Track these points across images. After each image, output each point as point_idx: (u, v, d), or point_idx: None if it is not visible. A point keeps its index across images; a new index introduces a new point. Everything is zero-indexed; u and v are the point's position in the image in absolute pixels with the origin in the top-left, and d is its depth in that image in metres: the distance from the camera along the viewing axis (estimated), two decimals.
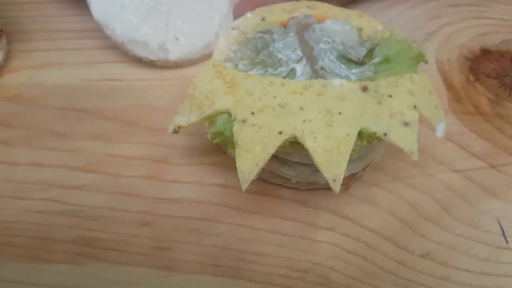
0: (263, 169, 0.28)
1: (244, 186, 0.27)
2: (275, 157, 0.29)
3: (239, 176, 0.27)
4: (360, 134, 0.28)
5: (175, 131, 0.31)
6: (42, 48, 0.42)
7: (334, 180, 0.27)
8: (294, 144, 0.28)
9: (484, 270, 0.32)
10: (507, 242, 0.33)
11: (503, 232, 0.33)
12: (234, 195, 0.34)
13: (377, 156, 0.34)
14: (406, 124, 0.28)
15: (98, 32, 0.43)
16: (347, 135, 0.27)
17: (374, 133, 0.28)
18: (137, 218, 0.33)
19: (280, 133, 0.28)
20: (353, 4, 0.45)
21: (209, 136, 0.29)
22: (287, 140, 0.28)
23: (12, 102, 0.39)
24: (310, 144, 0.27)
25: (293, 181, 0.33)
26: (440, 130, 0.30)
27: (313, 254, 0.32)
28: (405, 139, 0.28)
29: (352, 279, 0.31)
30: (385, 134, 0.28)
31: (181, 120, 0.30)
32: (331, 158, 0.27)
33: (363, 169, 0.33)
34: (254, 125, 0.28)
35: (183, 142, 0.37)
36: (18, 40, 0.43)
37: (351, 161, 0.29)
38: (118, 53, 0.42)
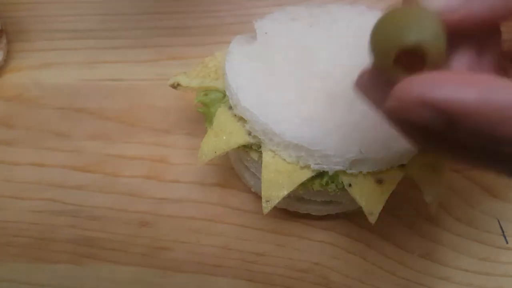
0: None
1: (199, 164, 0.29)
2: None
3: (198, 154, 0.28)
4: (322, 174, 0.27)
5: (173, 86, 0.31)
6: (42, 48, 0.42)
7: (267, 201, 0.27)
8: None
9: (484, 270, 0.32)
10: (507, 242, 0.33)
11: (502, 232, 0.33)
12: (234, 195, 0.34)
13: (350, 208, 0.32)
14: (379, 181, 0.27)
15: (98, 32, 0.43)
16: (306, 167, 0.27)
17: (337, 179, 0.27)
18: (137, 218, 0.33)
19: (249, 134, 0.28)
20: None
21: (196, 102, 0.31)
22: (251, 143, 0.28)
23: (12, 102, 0.39)
24: (265, 158, 0.27)
25: None
26: (429, 196, 0.29)
27: (312, 254, 0.32)
28: (369, 197, 0.27)
29: (352, 279, 0.31)
30: (350, 185, 0.27)
31: (184, 79, 0.31)
32: (278, 180, 0.27)
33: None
34: (235, 116, 0.29)
35: (183, 142, 0.37)
36: (18, 40, 0.43)
37: (312, 202, 0.30)
38: (118, 53, 0.42)
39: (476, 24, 0.18)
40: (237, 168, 0.34)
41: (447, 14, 0.17)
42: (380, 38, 0.18)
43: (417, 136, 0.18)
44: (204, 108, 0.31)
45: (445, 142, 0.17)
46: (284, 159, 0.27)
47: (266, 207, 0.27)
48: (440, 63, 0.17)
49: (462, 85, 0.15)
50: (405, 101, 0.16)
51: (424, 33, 0.17)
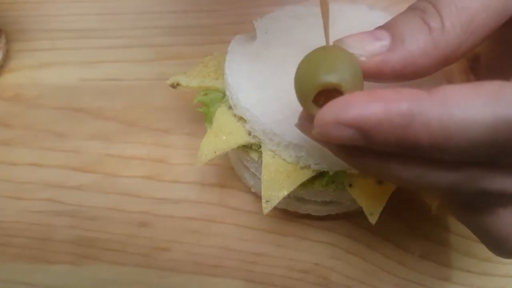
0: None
1: (198, 164, 0.28)
2: None
3: (198, 154, 0.28)
4: (322, 174, 0.27)
5: (173, 86, 0.31)
6: (42, 48, 0.42)
7: (267, 201, 0.27)
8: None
9: (485, 270, 0.32)
10: None
11: None
12: (234, 195, 0.34)
13: (350, 208, 0.32)
14: (380, 182, 0.27)
15: (98, 32, 0.43)
16: (306, 167, 0.27)
17: (337, 179, 0.27)
18: (137, 218, 0.33)
19: (249, 134, 0.28)
20: None
21: (195, 102, 0.31)
22: (251, 143, 0.28)
23: (11, 102, 0.39)
24: (265, 158, 0.27)
25: None
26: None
27: (313, 254, 0.32)
28: (369, 197, 0.27)
29: (352, 280, 0.31)
30: (350, 185, 0.27)
31: (183, 79, 0.31)
32: (278, 180, 0.27)
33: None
34: (235, 115, 0.28)
35: (182, 142, 0.37)
36: (17, 39, 0.42)
37: (312, 202, 0.30)
38: (118, 53, 0.42)
39: (395, 71, 0.20)
40: (237, 168, 0.34)
41: (366, 59, 0.20)
42: (300, 79, 0.20)
43: (350, 157, 0.20)
44: (204, 108, 0.31)
45: (374, 159, 0.19)
46: (284, 159, 0.27)
47: (266, 207, 0.27)
48: None
49: (368, 102, 0.17)
50: (324, 125, 0.18)
51: (341, 73, 0.19)
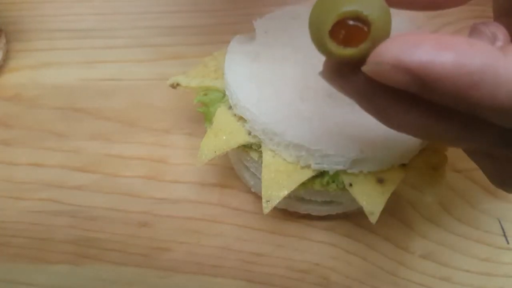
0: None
1: (198, 164, 0.28)
2: None
3: (198, 154, 0.28)
4: (323, 174, 0.27)
5: (173, 86, 0.31)
6: (42, 48, 0.42)
7: (267, 201, 0.27)
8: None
9: (484, 270, 0.32)
10: (507, 243, 0.33)
11: (503, 232, 0.33)
12: (234, 195, 0.34)
13: (350, 208, 0.32)
14: (380, 181, 0.27)
15: (98, 32, 0.43)
16: (307, 167, 0.27)
17: (337, 179, 0.27)
18: (137, 218, 0.33)
19: (249, 134, 0.28)
20: None
21: (195, 101, 0.31)
22: (251, 143, 0.28)
23: (11, 102, 0.39)
24: (266, 158, 0.27)
25: None
26: (430, 196, 0.28)
27: (313, 254, 0.32)
28: (370, 196, 0.27)
29: (352, 280, 0.31)
30: (350, 185, 0.27)
31: (183, 79, 0.31)
32: (278, 180, 0.27)
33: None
34: (235, 115, 0.28)
35: (182, 142, 0.37)
36: (17, 39, 0.42)
37: (312, 202, 0.30)
38: (118, 53, 0.42)
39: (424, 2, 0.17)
40: (237, 168, 0.34)
41: None
42: (316, 12, 0.16)
43: (390, 106, 0.18)
44: (204, 108, 0.31)
45: (419, 110, 0.17)
46: (285, 159, 0.27)
47: (266, 207, 0.27)
48: (384, 39, 0.16)
49: (437, 49, 0.15)
50: (380, 63, 0.15)
51: (368, 4, 0.16)
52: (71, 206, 0.34)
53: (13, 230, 0.33)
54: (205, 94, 0.31)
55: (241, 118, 0.28)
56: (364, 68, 0.16)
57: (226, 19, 0.43)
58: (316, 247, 0.32)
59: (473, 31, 0.19)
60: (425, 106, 0.17)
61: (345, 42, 0.16)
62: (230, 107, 0.29)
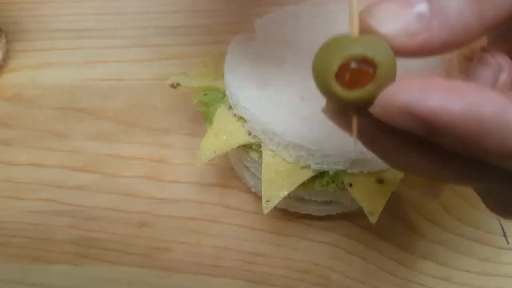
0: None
1: (198, 165, 0.28)
2: None
3: (198, 154, 0.28)
4: (323, 174, 0.27)
5: (173, 86, 0.31)
6: (42, 48, 0.42)
7: (267, 201, 0.27)
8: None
9: (485, 270, 0.32)
10: (508, 243, 0.33)
11: (504, 232, 0.33)
12: (234, 195, 0.34)
13: (350, 208, 0.32)
14: (380, 181, 0.27)
15: (98, 32, 0.43)
16: (307, 167, 0.27)
17: (337, 179, 0.27)
18: (137, 218, 0.33)
19: (249, 134, 0.28)
20: None
21: (195, 102, 0.31)
22: (251, 143, 0.28)
23: (11, 102, 0.39)
24: (266, 158, 0.27)
25: None
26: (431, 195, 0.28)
27: (313, 254, 0.32)
28: (370, 196, 0.27)
29: (352, 280, 0.31)
30: (350, 185, 0.27)
31: (183, 79, 0.31)
32: (278, 180, 0.27)
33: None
34: (235, 115, 0.28)
35: (182, 142, 0.37)
36: (18, 39, 0.42)
37: (312, 202, 0.30)
38: (118, 53, 0.42)
39: (435, 50, 0.17)
40: (237, 168, 0.34)
41: (405, 39, 0.16)
42: (321, 55, 0.16)
43: (394, 147, 0.18)
44: (204, 108, 0.31)
45: (423, 152, 0.17)
46: (285, 159, 0.27)
47: (266, 207, 0.27)
48: (391, 81, 0.16)
49: (449, 95, 0.15)
50: (388, 108, 0.15)
51: (373, 47, 0.16)
52: (71, 206, 0.34)
53: (13, 230, 0.33)
54: (205, 94, 0.31)
55: (241, 118, 0.28)
56: (371, 109, 0.16)
57: (226, 19, 0.43)
58: (316, 247, 0.32)
59: (480, 61, 0.19)
60: (429, 149, 0.17)
61: (351, 85, 0.16)
62: (230, 107, 0.29)
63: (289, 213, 0.33)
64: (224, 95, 0.29)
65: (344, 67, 0.15)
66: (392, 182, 0.27)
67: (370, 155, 0.26)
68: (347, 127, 0.18)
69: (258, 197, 0.33)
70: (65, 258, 0.32)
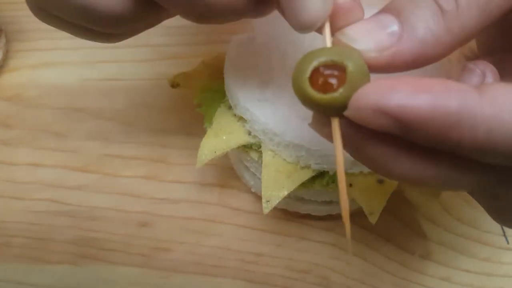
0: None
1: (198, 165, 0.28)
2: None
3: (198, 154, 0.28)
4: (323, 174, 0.27)
5: (173, 86, 0.31)
6: (41, 48, 0.42)
7: (267, 201, 0.27)
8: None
9: (484, 270, 0.32)
10: (508, 243, 0.33)
11: (503, 232, 0.33)
12: (234, 195, 0.34)
13: (350, 208, 0.32)
14: (380, 181, 0.27)
15: None
16: (307, 167, 0.27)
17: (337, 179, 0.27)
18: (137, 218, 0.33)
19: (249, 134, 0.28)
20: None
21: (195, 102, 0.31)
22: (251, 143, 0.28)
23: (11, 102, 0.39)
24: (266, 158, 0.27)
25: None
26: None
27: (313, 254, 0.32)
28: (370, 196, 0.27)
29: (352, 280, 0.31)
30: (350, 185, 0.27)
31: (183, 79, 0.31)
32: (278, 180, 0.27)
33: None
34: (235, 115, 0.28)
35: (182, 142, 0.37)
36: (17, 39, 0.42)
37: (312, 202, 0.30)
38: (117, 53, 0.42)
39: (407, 63, 0.18)
40: (237, 168, 0.34)
41: (376, 54, 0.18)
42: (298, 66, 0.18)
43: (378, 153, 0.18)
44: (204, 108, 0.31)
45: (408, 156, 0.17)
46: (285, 159, 0.27)
47: (266, 207, 0.27)
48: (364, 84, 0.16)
49: (414, 92, 0.15)
50: (360, 109, 0.16)
51: (343, 54, 0.17)
52: (71, 206, 0.34)
53: (13, 230, 0.33)
54: (205, 94, 0.31)
55: (241, 118, 0.28)
56: (346, 113, 0.17)
57: None
58: (316, 247, 0.32)
59: (465, 70, 0.20)
60: (414, 152, 0.17)
61: (325, 89, 0.17)
62: (230, 107, 0.29)
63: (289, 213, 0.33)
64: (224, 95, 0.29)
65: (316, 72, 0.17)
66: (392, 182, 0.27)
67: None
68: (332, 137, 0.19)
69: (258, 197, 0.33)
70: (65, 258, 0.32)
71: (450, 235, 0.33)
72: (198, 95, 0.31)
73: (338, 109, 0.17)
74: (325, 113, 0.18)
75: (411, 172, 0.18)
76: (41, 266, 0.32)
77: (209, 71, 0.32)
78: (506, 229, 0.33)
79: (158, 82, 0.39)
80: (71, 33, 0.24)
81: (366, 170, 0.27)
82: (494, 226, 0.33)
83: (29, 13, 0.22)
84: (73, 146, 0.37)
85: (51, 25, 0.23)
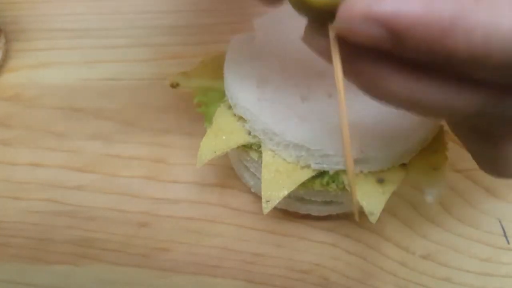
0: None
1: (198, 165, 0.28)
2: None
3: (198, 154, 0.28)
4: (323, 174, 0.27)
5: (173, 86, 0.31)
6: (41, 48, 0.42)
7: (267, 201, 0.27)
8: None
9: (485, 270, 0.32)
10: (508, 243, 0.33)
11: (504, 232, 0.33)
12: (234, 195, 0.34)
13: (350, 208, 0.32)
14: (380, 180, 0.27)
15: (97, 32, 0.43)
16: (307, 167, 0.27)
17: (338, 179, 0.27)
18: (136, 218, 0.33)
19: (249, 134, 0.28)
20: None
21: (195, 101, 0.31)
22: (251, 143, 0.28)
23: (11, 102, 0.39)
24: (265, 158, 0.27)
25: None
26: (430, 196, 0.27)
27: (313, 254, 0.32)
28: (370, 196, 0.27)
29: (352, 280, 0.31)
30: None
31: (183, 79, 0.31)
32: (278, 180, 0.27)
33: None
34: (235, 115, 0.28)
35: (182, 142, 0.37)
36: (17, 39, 0.42)
37: (312, 202, 0.30)
38: (117, 53, 0.42)
39: None
40: (237, 168, 0.34)
41: None
42: None
43: (371, 72, 0.17)
44: (204, 107, 0.31)
45: (401, 74, 0.17)
46: (284, 159, 0.27)
47: (266, 207, 0.27)
48: None
49: None
50: (349, 18, 0.15)
51: None
52: (71, 206, 0.34)
53: (12, 230, 0.33)
54: (205, 94, 0.31)
55: (241, 118, 0.28)
56: (336, 25, 0.16)
57: (226, 19, 0.43)
58: (316, 247, 0.32)
59: None
60: (407, 70, 0.17)
61: None
62: (230, 107, 0.29)
63: (289, 213, 0.33)
64: (224, 95, 0.29)
65: None
66: (392, 182, 0.27)
67: (370, 154, 0.26)
68: (323, 52, 0.18)
69: (258, 197, 0.33)
70: (65, 258, 0.32)
71: (450, 235, 0.33)
72: (198, 95, 0.31)
73: (333, 15, 0.16)
74: (319, 20, 0.17)
75: (404, 91, 0.17)
76: (40, 266, 0.32)
77: (209, 71, 0.31)
78: (506, 229, 0.33)
79: (158, 82, 0.39)
80: None
81: (366, 170, 0.27)
82: (494, 226, 0.34)
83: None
84: (73, 146, 0.37)
85: None
